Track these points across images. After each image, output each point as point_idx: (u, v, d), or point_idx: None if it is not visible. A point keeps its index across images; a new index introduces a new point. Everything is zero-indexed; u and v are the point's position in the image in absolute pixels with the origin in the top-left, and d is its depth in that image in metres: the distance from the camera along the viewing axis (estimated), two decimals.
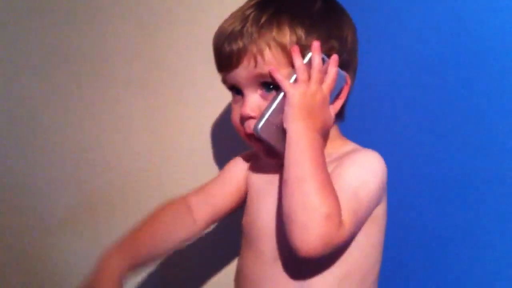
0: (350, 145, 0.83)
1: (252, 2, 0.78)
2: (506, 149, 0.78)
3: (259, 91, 0.77)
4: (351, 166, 0.75)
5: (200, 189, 0.89)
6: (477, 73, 0.81)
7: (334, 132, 0.82)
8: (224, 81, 0.80)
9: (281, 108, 0.73)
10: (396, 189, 0.83)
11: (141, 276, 1.09)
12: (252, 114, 0.77)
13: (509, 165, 0.77)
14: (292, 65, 0.74)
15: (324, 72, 0.74)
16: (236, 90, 0.79)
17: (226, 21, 0.79)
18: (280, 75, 0.72)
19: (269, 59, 0.74)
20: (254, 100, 0.77)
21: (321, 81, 0.73)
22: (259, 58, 0.74)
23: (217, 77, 0.82)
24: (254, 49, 0.74)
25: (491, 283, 0.80)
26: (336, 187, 0.71)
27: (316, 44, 0.73)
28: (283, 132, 0.73)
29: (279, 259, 0.78)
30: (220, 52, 0.78)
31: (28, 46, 1.06)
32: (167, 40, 1.10)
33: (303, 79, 0.72)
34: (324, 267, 0.76)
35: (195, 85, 1.11)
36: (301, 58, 0.73)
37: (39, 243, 1.09)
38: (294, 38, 0.74)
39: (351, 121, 0.88)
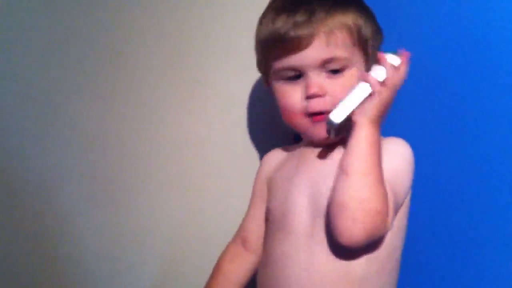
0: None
1: None
2: (506, 149, 0.81)
3: (324, 73, 0.83)
4: (384, 157, 0.78)
5: (244, 221, 0.96)
6: (476, 73, 0.85)
7: None
8: (284, 68, 0.83)
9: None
10: None
11: None
12: (320, 93, 0.82)
13: (509, 165, 0.81)
14: (357, 46, 0.82)
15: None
16: (292, 76, 0.84)
17: (278, 10, 0.83)
18: (374, 79, 0.77)
19: (338, 41, 0.81)
20: (320, 80, 0.82)
21: (398, 87, 0.79)
22: (330, 39, 0.81)
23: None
24: (325, 30, 0.80)
25: (491, 283, 0.84)
26: None
27: (406, 54, 0.78)
28: (349, 120, 0.77)
29: (313, 233, 0.81)
30: (284, 38, 0.81)
31: (30, 43, 1.08)
32: (179, 39, 1.12)
33: (392, 86, 0.77)
34: None
35: (216, 80, 1.13)
36: (393, 66, 0.77)
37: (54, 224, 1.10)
38: (356, 25, 0.82)
39: None
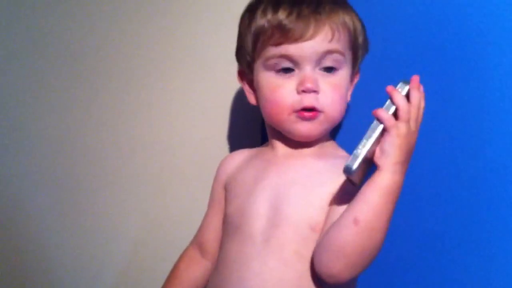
0: (342, 151, 0.88)
1: None
2: (506, 149, 0.78)
3: (318, 70, 0.80)
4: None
5: (202, 226, 0.95)
6: (475, 73, 0.82)
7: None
8: (279, 56, 0.80)
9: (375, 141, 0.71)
10: None
11: None
12: (316, 88, 0.79)
13: (509, 165, 0.78)
14: (351, 48, 0.81)
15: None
16: (286, 69, 0.81)
17: (277, 2, 0.81)
18: (385, 113, 0.70)
19: (340, 37, 0.80)
20: (315, 76, 0.80)
21: (418, 118, 0.71)
22: (336, 34, 0.79)
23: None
24: (332, 26, 0.79)
25: (490, 283, 0.81)
26: None
27: (416, 79, 0.71)
28: (363, 164, 0.70)
29: (269, 239, 0.80)
30: (288, 26, 0.78)
31: (26, 43, 1.07)
32: (167, 38, 1.12)
33: (407, 119, 0.70)
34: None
35: (195, 82, 1.12)
36: (403, 96, 0.70)
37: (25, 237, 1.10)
38: (355, 29, 0.81)
39: (350, 122, 0.92)
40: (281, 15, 0.79)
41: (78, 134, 1.09)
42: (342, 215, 0.72)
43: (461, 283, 0.83)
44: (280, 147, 0.87)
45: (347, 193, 0.75)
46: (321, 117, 0.81)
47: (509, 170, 0.78)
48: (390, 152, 0.69)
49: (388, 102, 0.70)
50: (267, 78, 0.83)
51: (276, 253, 0.78)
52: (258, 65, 0.84)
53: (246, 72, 0.88)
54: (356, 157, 0.69)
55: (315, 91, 0.80)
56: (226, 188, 0.91)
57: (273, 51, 0.80)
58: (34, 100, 1.08)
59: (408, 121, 0.69)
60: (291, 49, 0.79)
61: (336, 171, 0.76)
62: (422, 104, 0.71)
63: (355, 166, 0.69)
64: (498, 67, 0.79)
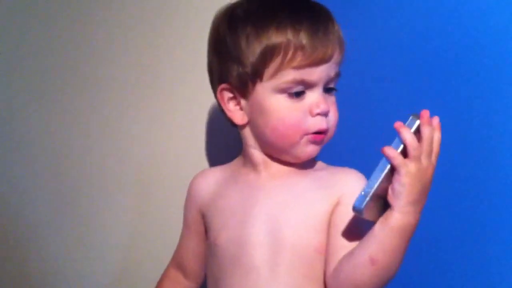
0: (321, 162, 0.85)
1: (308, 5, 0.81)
2: (506, 149, 0.79)
3: (322, 91, 0.79)
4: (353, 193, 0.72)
5: (180, 247, 0.94)
6: (473, 73, 0.83)
7: None
8: (297, 81, 0.77)
9: (384, 179, 0.68)
10: None
11: None
12: (329, 110, 0.78)
13: (509, 165, 0.79)
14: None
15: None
16: (299, 93, 0.78)
17: (296, 19, 0.77)
18: (392, 151, 0.67)
19: (339, 60, 0.79)
20: (325, 97, 0.79)
21: (431, 153, 0.68)
22: (340, 54, 0.79)
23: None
24: (340, 48, 0.78)
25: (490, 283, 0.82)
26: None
27: (426, 114, 0.68)
28: (378, 201, 0.68)
29: (274, 268, 0.77)
30: (312, 45, 0.75)
31: (20, 49, 1.09)
32: (163, 42, 1.11)
33: (417, 157, 0.67)
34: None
35: (188, 86, 1.11)
36: (411, 133, 0.67)
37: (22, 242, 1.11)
38: (343, 50, 0.80)
39: (347, 122, 0.91)
40: (303, 35, 0.75)
41: (68, 141, 1.11)
42: (356, 253, 0.71)
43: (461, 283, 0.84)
44: (264, 168, 0.83)
45: (344, 207, 0.75)
46: (325, 138, 0.81)
47: (509, 170, 0.79)
48: (401, 192, 0.67)
49: (397, 138, 0.67)
50: (278, 101, 0.78)
51: (285, 280, 0.77)
52: (266, 86, 0.78)
53: (235, 89, 0.81)
54: (363, 197, 0.67)
55: (326, 114, 0.79)
56: (204, 215, 0.87)
57: (293, 74, 0.76)
58: (30, 107, 1.10)
59: (418, 159, 0.66)
60: (313, 74, 0.77)
61: (323, 185, 0.79)
62: (437, 137, 0.68)
63: (362, 206, 0.67)
64: (498, 67, 0.81)
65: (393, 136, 0.74)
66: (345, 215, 0.75)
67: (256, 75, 0.78)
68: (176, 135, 1.12)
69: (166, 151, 1.12)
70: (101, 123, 1.11)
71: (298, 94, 0.78)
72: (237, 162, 0.88)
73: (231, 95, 0.82)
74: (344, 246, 0.74)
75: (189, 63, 1.07)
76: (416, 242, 0.83)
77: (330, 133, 0.80)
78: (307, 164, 0.83)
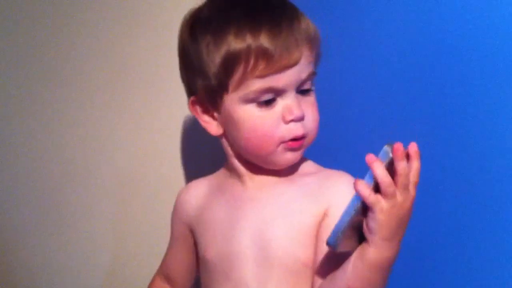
0: (313, 164, 0.83)
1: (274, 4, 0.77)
2: (505, 149, 0.77)
3: (296, 94, 0.75)
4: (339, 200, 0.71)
5: (167, 259, 0.93)
6: (472, 73, 0.81)
7: None
8: (265, 89, 0.73)
9: (358, 213, 0.65)
10: None
11: None
12: (303, 114, 0.75)
13: (509, 165, 0.77)
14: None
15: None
16: (269, 100, 0.74)
17: (256, 23, 0.73)
18: (364, 189, 0.62)
19: (312, 59, 0.75)
20: (298, 102, 0.75)
21: (408, 186, 0.64)
22: (311, 54, 0.75)
23: None
24: (309, 48, 0.74)
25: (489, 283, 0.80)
26: None
27: (398, 148, 0.62)
28: (355, 230, 0.66)
29: (263, 282, 0.77)
30: (274, 50, 0.71)
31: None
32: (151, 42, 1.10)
33: (391, 193, 0.62)
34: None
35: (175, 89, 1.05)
36: (383, 169, 0.62)
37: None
38: (318, 39, 0.76)
39: (346, 122, 0.91)
40: (264, 39, 0.71)
41: (58, 144, 1.09)
42: (336, 280, 0.69)
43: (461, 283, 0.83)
44: (248, 178, 0.81)
45: (331, 220, 0.71)
46: (305, 142, 0.77)
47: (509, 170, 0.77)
48: (375, 229, 0.64)
49: (370, 172, 0.63)
50: (248, 112, 0.75)
51: None
52: (233, 98, 0.75)
53: (205, 102, 0.78)
54: (336, 233, 0.65)
55: (302, 119, 0.75)
56: (192, 228, 0.86)
57: (258, 84, 0.73)
58: (12, 107, 1.07)
59: (393, 195, 0.62)
60: (280, 80, 0.73)
61: (310, 194, 0.76)
62: (416, 167, 0.63)
63: (336, 242, 0.65)
64: (497, 68, 0.77)
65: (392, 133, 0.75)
66: (327, 224, 0.73)
67: (221, 87, 0.75)
68: (162, 137, 1.11)
69: (151, 152, 1.12)
70: (85, 125, 1.09)
71: (268, 102, 0.74)
72: (223, 171, 0.86)
73: (202, 107, 0.79)
74: (329, 264, 0.72)
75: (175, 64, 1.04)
76: (414, 243, 0.81)
77: (310, 136, 0.78)
78: (294, 169, 0.80)
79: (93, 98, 1.08)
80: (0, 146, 1.06)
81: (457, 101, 0.83)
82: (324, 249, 0.72)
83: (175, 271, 0.91)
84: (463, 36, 0.81)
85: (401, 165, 0.62)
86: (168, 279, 0.93)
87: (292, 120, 0.74)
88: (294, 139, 0.75)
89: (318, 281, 0.74)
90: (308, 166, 0.82)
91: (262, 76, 0.72)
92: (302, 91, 0.75)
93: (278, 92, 0.74)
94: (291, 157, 0.77)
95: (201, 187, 0.87)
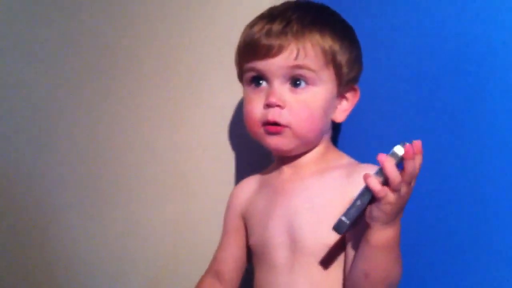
0: (346, 158, 0.89)
1: (290, 4, 0.86)
2: (506, 150, 0.79)
3: (288, 85, 0.83)
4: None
5: (219, 255, 0.95)
6: (473, 74, 0.82)
7: (327, 142, 0.89)
8: (250, 69, 0.84)
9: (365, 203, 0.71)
10: None
11: None
12: (279, 103, 0.82)
13: (509, 165, 0.79)
14: (326, 67, 0.82)
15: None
16: (257, 82, 0.84)
17: (261, 18, 0.84)
18: (375, 183, 0.69)
19: (308, 55, 0.81)
20: (282, 91, 0.82)
21: (411, 181, 0.70)
22: (301, 52, 0.81)
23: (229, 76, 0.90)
24: (298, 44, 0.81)
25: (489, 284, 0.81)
26: None
27: (409, 150, 0.68)
28: (358, 218, 0.71)
29: (293, 266, 0.82)
30: (256, 43, 0.82)
31: (35, 44, 1.12)
32: (181, 39, 1.13)
33: (398, 187, 0.69)
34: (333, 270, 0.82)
35: (208, 85, 1.13)
36: (394, 168, 0.68)
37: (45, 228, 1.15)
38: (331, 48, 0.82)
39: (350, 125, 0.93)
40: (253, 33, 0.83)
41: (100, 136, 1.14)
42: (353, 267, 0.76)
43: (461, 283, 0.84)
44: (284, 168, 0.89)
45: None
46: (288, 132, 0.83)
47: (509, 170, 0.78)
48: (380, 217, 0.70)
49: (380, 168, 0.69)
50: (245, 92, 0.87)
51: (303, 277, 0.82)
52: (243, 79, 0.87)
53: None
54: (344, 223, 0.70)
55: (279, 106, 0.82)
56: (244, 218, 0.92)
57: (246, 66, 0.85)
58: (60, 103, 1.14)
59: (399, 189, 0.69)
60: (259, 64, 0.82)
61: (338, 186, 0.82)
62: (418, 162, 0.70)
63: (343, 230, 0.71)
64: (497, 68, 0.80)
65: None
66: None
67: (239, 72, 0.88)
68: (217, 136, 1.13)
69: (207, 152, 1.14)
70: (147, 125, 1.14)
71: (257, 85, 0.84)
72: (272, 165, 0.93)
73: None
74: (352, 253, 0.78)
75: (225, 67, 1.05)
76: (415, 243, 0.87)
77: (295, 128, 0.83)
78: (330, 163, 0.87)
79: (150, 98, 1.13)
80: (66, 149, 1.13)
81: (456, 101, 0.85)
82: (350, 240, 0.79)
83: (228, 267, 0.94)
84: (463, 36, 0.83)
85: (411, 164, 0.68)
86: (218, 274, 0.95)
87: (267, 105, 0.82)
88: (270, 123, 0.83)
89: (347, 271, 0.80)
90: (341, 160, 0.88)
91: (248, 61, 0.84)
92: (295, 84, 0.82)
93: (264, 78, 0.83)
94: (271, 141, 0.84)
95: (252, 182, 0.94)
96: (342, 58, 0.84)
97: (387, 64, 0.94)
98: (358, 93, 0.88)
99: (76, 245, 1.14)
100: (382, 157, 0.68)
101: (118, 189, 1.14)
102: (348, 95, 0.88)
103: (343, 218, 0.70)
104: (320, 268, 0.81)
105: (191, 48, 1.12)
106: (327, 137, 0.89)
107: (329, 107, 0.85)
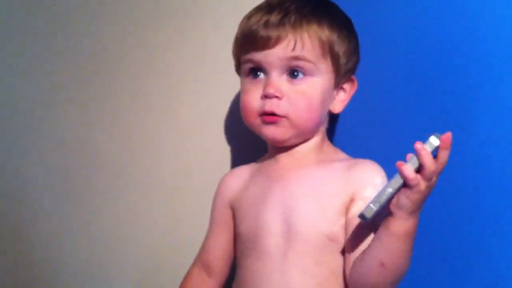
0: (342, 153, 0.89)
1: None
2: (506, 149, 0.79)
3: (285, 76, 0.83)
4: (364, 187, 0.80)
5: (206, 246, 0.94)
6: (473, 74, 0.83)
7: (323, 134, 0.89)
8: (248, 60, 0.84)
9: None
10: None
11: None
12: (277, 94, 0.82)
13: (509, 165, 0.79)
14: (324, 58, 0.82)
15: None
16: (255, 73, 0.85)
17: (258, 9, 0.85)
18: (410, 172, 0.69)
19: (307, 46, 0.81)
20: (280, 82, 0.83)
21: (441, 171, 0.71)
22: (298, 44, 0.81)
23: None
24: (295, 35, 0.81)
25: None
26: None
27: (447, 140, 0.69)
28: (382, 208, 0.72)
29: (286, 254, 0.81)
30: (254, 34, 0.82)
31: (29, 48, 1.13)
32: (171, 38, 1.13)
33: (431, 177, 0.70)
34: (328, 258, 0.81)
35: (205, 82, 1.12)
36: (431, 157, 0.69)
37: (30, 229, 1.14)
38: (329, 39, 0.82)
39: (350, 123, 0.93)
40: (251, 24, 0.83)
41: (87, 137, 1.13)
42: (367, 256, 0.76)
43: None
44: (279, 158, 0.88)
45: (359, 204, 0.78)
46: (285, 122, 0.83)
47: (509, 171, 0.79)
48: (407, 205, 0.71)
49: (414, 157, 0.69)
50: (242, 83, 0.87)
51: (295, 265, 0.81)
52: (241, 71, 0.88)
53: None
54: (372, 209, 0.70)
55: (276, 97, 0.82)
56: (233, 207, 0.91)
57: (244, 57, 0.85)
58: (45, 103, 1.13)
59: (431, 178, 0.70)
60: (256, 56, 0.83)
61: (338, 179, 0.82)
62: (448, 153, 0.70)
63: (370, 216, 0.70)
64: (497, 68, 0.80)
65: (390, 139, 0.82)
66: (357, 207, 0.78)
67: (237, 63, 0.89)
68: (212, 131, 1.12)
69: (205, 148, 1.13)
70: (116, 120, 1.13)
71: (255, 76, 0.84)
72: (266, 155, 0.93)
73: None
74: (360, 244, 0.78)
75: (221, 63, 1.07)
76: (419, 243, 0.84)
77: (293, 119, 0.83)
78: (327, 156, 0.87)
79: (140, 102, 1.13)
80: (50, 149, 1.13)
81: (453, 96, 0.85)
82: (353, 232, 0.79)
83: (214, 256, 0.93)
84: (464, 36, 0.84)
85: (446, 153, 0.69)
86: (206, 267, 0.94)
87: (265, 96, 0.82)
88: (267, 114, 0.83)
89: (349, 264, 0.79)
90: (338, 154, 0.89)
91: (245, 52, 0.84)
92: (293, 75, 0.83)
93: (262, 69, 0.83)
94: (267, 131, 0.84)
95: (243, 171, 0.93)
96: (340, 48, 0.84)
97: (384, 59, 0.94)
98: (356, 84, 0.89)
99: (61, 247, 1.13)
100: (419, 146, 0.68)
101: (104, 191, 1.13)
102: (346, 86, 0.88)
103: (372, 205, 0.70)
104: (314, 257, 0.80)
105: (187, 47, 1.12)
106: (323, 129, 0.89)
107: (327, 98, 0.85)
